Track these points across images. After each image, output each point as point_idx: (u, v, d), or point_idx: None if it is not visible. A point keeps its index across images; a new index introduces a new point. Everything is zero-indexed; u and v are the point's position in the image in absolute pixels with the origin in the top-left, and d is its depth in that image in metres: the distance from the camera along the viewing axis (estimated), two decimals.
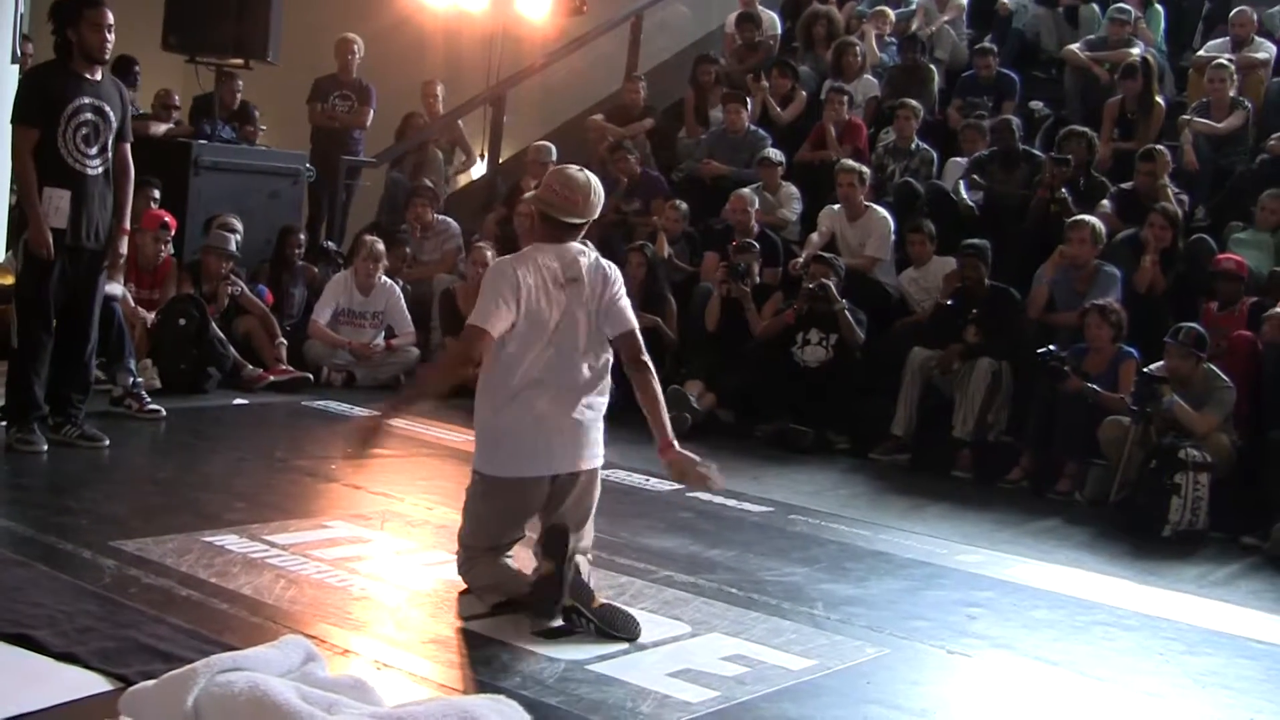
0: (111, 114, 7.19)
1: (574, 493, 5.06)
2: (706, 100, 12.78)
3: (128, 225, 7.55)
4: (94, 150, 7.13)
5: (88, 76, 7.12)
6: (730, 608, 5.41)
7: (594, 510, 5.18)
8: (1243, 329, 8.60)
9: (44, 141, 7.02)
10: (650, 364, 5.17)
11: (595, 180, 5.17)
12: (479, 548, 5.14)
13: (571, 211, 5.10)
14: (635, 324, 5.19)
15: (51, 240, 6.99)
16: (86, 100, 7.08)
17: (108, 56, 7.22)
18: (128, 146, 7.43)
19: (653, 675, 4.62)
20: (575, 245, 5.16)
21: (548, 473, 5.01)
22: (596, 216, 5.22)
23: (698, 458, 5.09)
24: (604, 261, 5.19)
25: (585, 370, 5.07)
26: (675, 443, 5.08)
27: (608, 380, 5.15)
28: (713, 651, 4.91)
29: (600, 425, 5.11)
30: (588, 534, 5.18)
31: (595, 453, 5.11)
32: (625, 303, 5.18)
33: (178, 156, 10.65)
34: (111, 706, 3.70)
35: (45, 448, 7.11)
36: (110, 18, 7.13)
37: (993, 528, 7.55)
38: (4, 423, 7.31)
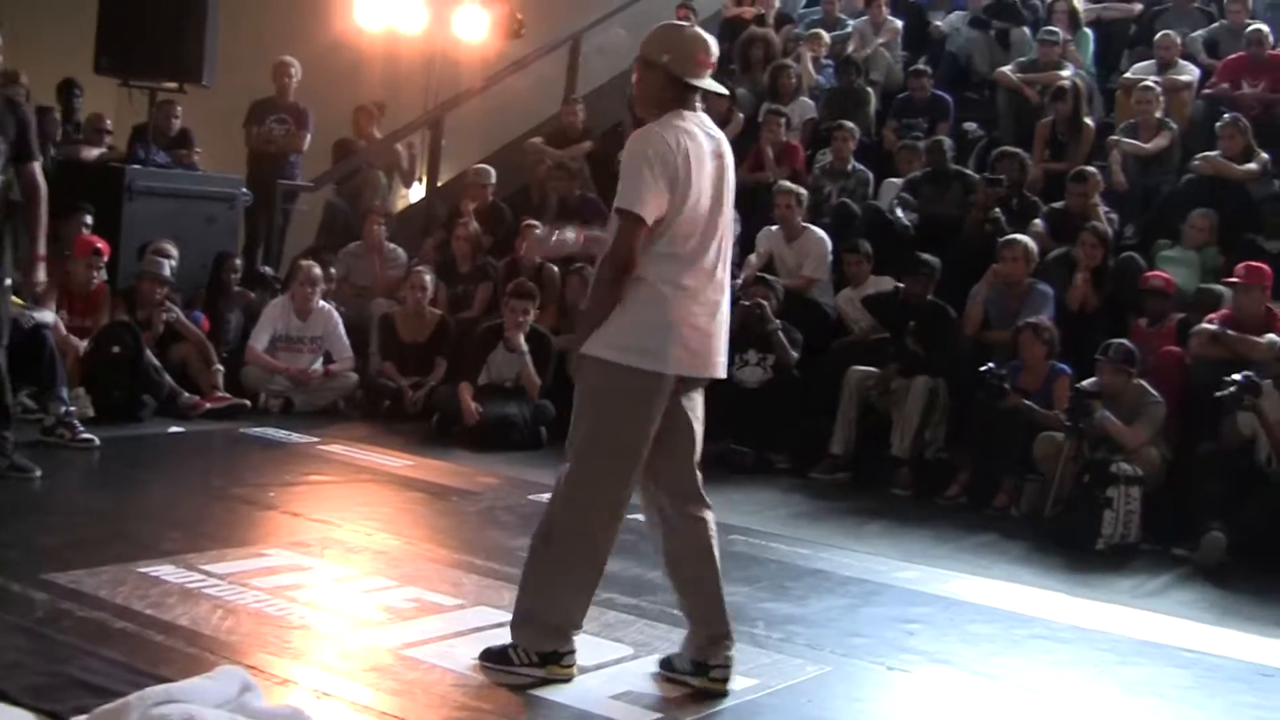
0: None
1: None
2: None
3: (43, 251, 7.24)
4: None
5: None
6: (673, 629, 5.36)
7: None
8: (1171, 345, 8.74)
9: None
10: None
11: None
12: None
13: (702, 73, 4.78)
14: None
15: None
16: None
17: None
18: (35, 167, 7.09)
19: (595, 698, 4.62)
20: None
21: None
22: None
23: None
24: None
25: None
26: None
27: None
28: (655, 673, 4.90)
29: None
30: None
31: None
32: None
33: (111, 182, 10.56)
34: None
35: None
36: None
37: (931, 544, 7.60)
38: None
